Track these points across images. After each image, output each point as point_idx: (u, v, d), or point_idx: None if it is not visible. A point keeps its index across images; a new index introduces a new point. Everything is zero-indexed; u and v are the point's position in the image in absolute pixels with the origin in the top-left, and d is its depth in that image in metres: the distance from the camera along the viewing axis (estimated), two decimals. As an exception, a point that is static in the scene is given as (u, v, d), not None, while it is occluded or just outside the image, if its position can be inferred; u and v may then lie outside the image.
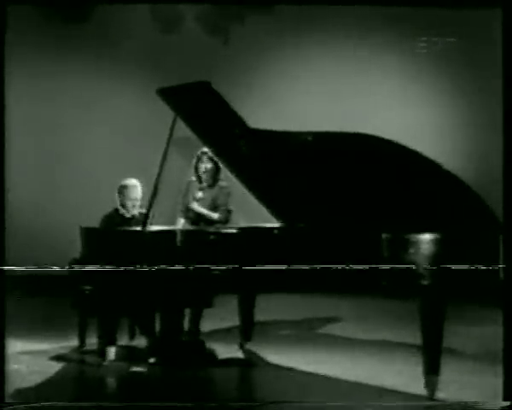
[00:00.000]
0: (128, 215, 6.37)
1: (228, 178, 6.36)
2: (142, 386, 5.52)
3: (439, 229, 5.03)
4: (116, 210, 6.40)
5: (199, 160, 6.46)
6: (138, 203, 6.32)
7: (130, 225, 6.21)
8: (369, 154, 5.37)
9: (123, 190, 6.38)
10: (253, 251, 5.53)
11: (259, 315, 6.63)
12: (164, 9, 10.03)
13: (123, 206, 6.38)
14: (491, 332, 6.43)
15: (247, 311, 6.51)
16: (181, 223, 6.49)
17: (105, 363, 5.94)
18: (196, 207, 6.44)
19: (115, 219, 6.32)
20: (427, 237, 5.01)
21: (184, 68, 8.78)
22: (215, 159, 6.38)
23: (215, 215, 6.41)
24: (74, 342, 6.33)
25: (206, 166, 6.43)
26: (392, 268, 5.05)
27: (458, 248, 5.06)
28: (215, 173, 6.44)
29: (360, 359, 6.21)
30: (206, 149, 6.37)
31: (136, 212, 6.33)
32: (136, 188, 6.36)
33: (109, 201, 6.45)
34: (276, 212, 6.13)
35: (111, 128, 10.03)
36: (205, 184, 6.48)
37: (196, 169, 6.49)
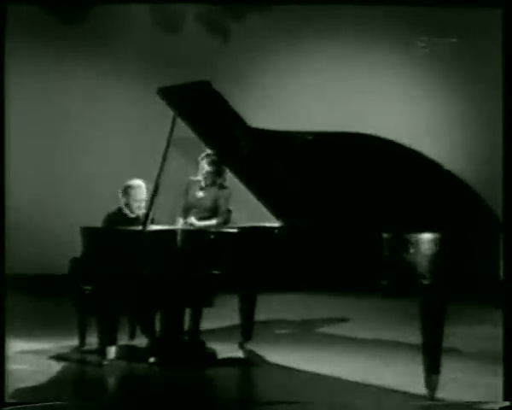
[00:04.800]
0: (131, 215, 6.36)
1: (229, 177, 6.36)
2: (142, 386, 5.52)
3: (439, 229, 5.03)
4: (119, 209, 6.40)
5: (201, 162, 6.46)
6: (144, 204, 6.30)
7: (133, 225, 6.21)
8: (369, 153, 5.37)
9: (128, 190, 6.36)
10: (253, 251, 5.54)
11: (260, 314, 6.63)
12: (164, 9, 10.03)
13: (127, 206, 6.37)
14: (490, 332, 6.44)
15: (247, 310, 6.51)
16: (180, 222, 6.49)
17: (105, 362, 5.94)
18: (194, 221, 6.44)
19: (118, 219, 6.31)
20: (427, 236, 5.01)
21: (184, 68, 8.78)
22: (216, 162, 6.37)
23: (214, 222, 6.39)
24: (74, 342, 6.33)
25: (206, 169, 6.43)
26: (392, 268, 5.06)
27: (458, 248, 5.06)
28: (215, 177, 6.43)
29: (360, 358, 6.21)
30: (208, 152, 6.37)
31: (140, 212, 6.32)
32: (142, 189, 6.34)
33: (110, 200, 6.45)
34: (276, 211, 6.13)
35: (111, 128, 10.03)
36: (207, 183, 6.48)
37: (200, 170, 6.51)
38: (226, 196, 6.45)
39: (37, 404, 4.93)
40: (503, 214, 5.21)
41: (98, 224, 6.31)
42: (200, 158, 6.46)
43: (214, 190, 6.45)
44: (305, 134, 5.59)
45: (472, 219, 5.14)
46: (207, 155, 6.41)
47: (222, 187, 6.46)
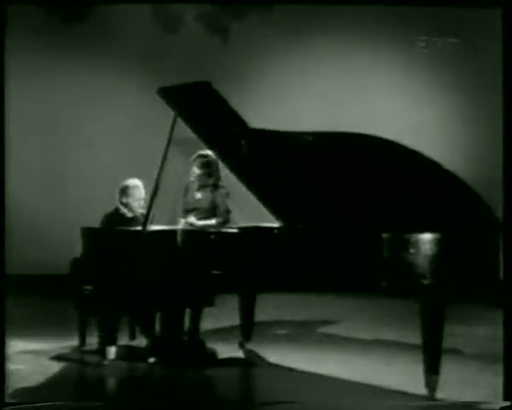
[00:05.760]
0: (129, 215, 6.38)
1: (229, 177, 6.35)
2: (142, 386, 5.52)
3: (439, 229, 5.03)
4: (117, 210, 6.40)
5: (191, 164, 6.46)
6: (143, 203, 6.32)
7: (131, 225, 6.22)
8: (368, 154, 5.37)
9: (127, 190, 6.37)
10: (253, 251, 5.54)
11: (260, 314, 6.63)
12: (164, 9, 10.03)
13: (126, 206, 6.38)
14: (490, 332, 6.44)
15: (247, 310, 6.51)
16: (182, 223, 6.48)
17: (105, 363, 5.94)
18: (193, 221, 6.43)
19: (116, 219, 6.32)
20: (427, 237, 5.01)
21: (184, 68, 8.79)
22: (206, 163, 6.36)
23: (213, 222, 6.38)
24: (74, 342, 6.33)
25: (196, 172, 6.42)
26: (392, 268, 5.06)
27: (458, 249, 5.06)
28: (206, 178, 6.42)
29: (360, 358, 6.21)
30: (199, 153, 6.37)
31: (140, 210, 6.34)
32: (140, 187, 6.38)
33: (110, 201, 6.45)
34: (276, 211, 6.13)
35: (111, 128, 10.03)
36: (200, 185, 6.48)
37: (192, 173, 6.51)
38: (223, 195, 6.45)
39: (37, 404, 4.93)
40: (503, 214, 5.21)
41: (97, 224, 6.31)
42: (190, 160, 6.46)
43: (211, 191, 6.45)
44: (304, 134, 5.60)
45: (472, 219, 5.14)
46: (197, 158, 6.41)
47: (217, 187, 6.44)
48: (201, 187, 6.46)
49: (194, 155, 6.42)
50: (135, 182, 6.40)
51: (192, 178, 6.47)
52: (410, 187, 5.31)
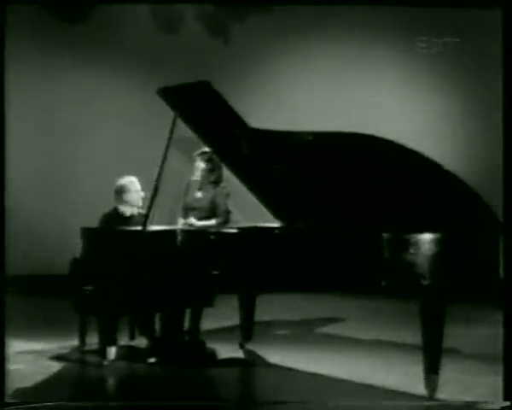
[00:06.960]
0: (127, 214, 6.38)
1: (229, 177, 6.36)
2: (142, 386, 5.52)
3: (439, 229, 5.03)
4: (115, 209, 6.42)
5: (196, 160, 6.48)
6: (143, 194, 6.35)
7: (129, 225, 6.23)
8: (369, 154, 5.37)
9: (124, 187, 6.39)
10: (253, 251, 5.53)
11: (260, 314, 6.63)
12: (164, 9, 10.03)
13: (127, 203, 6.38)
14: (490, 332, 6.44)
15: (247, 310, 6.51)
16: (181, 223, 6.49)
17: (105, 363, 5.94)
18: (194, 221, 6.43)
19: (115, 219, 6.34)
20: (427, 237, 5.01)
21: (184, 68, 8.79)
22: (211, 159, 6.38)
23: (213, 222, 6.38)
24: (74, 342, 6.33)
25: (201, 166, 6.43)
26: (392, 268, 5.06)
27: (458, 249, 5.06)
28: (210, 174, 6.43)
29: (360, 358, 6.21)
30: (203, 150, 6.38)
31: (140, 205, 6.35)
32: (135, 181, 6.44)
33: (110, 201, 6.46)
34: (276, 212, 6.13)
35: (111, 128, 10.03)
36: (203, 182, 6.49)
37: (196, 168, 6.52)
38: (224, 195, 6.45)
39: (37, 404, 4.93)
40: (503, 214, 5.21)
41: (97, 224, 6.31)
42: (194, 156, 6.48)
43: (212, 190, 6.45)
44: (304, 134, 5.59)
45: (472, 219, 5.14)
46: (202, 153, 6.43)
47: (217, 185, 6.44)
48: (203, 184, 6.46)
49: (198, 151, 6.44)
50: (129, 178, 6.44)
51: (195, 177, 6.48)
52: (409, 187, 5.31)
